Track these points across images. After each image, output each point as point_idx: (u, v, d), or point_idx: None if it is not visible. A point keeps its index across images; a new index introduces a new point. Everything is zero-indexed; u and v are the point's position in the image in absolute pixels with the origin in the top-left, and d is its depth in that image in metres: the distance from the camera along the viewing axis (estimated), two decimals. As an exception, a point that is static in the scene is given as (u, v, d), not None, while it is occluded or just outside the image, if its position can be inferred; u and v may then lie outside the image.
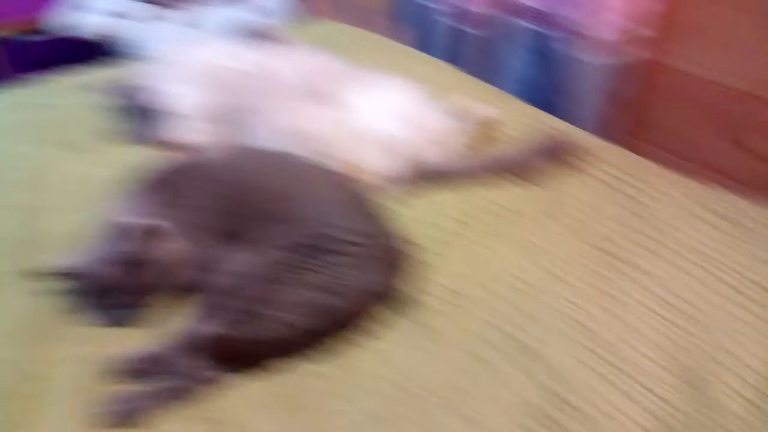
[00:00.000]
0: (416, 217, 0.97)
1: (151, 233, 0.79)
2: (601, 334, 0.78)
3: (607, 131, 1.36)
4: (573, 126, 1.25)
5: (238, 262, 0.79)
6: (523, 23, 1.54)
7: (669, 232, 0.93)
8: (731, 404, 0.70)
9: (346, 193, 0.89)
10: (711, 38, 1.28)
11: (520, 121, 1.22)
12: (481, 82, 1.41)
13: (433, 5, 1.75)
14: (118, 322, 0.78)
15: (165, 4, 2.01)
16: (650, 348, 0.76)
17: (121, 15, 1.94)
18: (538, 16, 1.51)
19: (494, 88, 1.39)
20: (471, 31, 1.66)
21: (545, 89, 1.51)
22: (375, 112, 1.08)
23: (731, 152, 1.30)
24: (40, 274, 0.80)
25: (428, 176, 1.05)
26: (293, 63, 1.15)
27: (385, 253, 0.83)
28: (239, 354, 0.73)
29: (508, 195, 1.03)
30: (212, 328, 0.74)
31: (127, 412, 0.68)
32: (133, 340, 0.76)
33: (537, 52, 1.53)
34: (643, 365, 0.74)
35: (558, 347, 0.77)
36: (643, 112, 1.42)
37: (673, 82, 1.36)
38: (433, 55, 1.57)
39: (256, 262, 0.78)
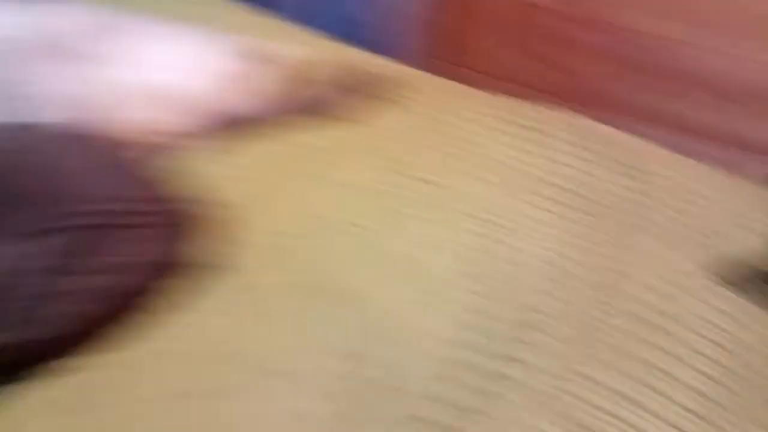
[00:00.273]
0: (228, 174, 0.90)
1: None
2: (425, 263, 0.78)
3: (426, 61, 1.36)
4: (389, 59, 1.22)
5: (5, 257, 0.69)
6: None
7: (480, 152, 0.94)
8: (535, 301, 0.73)
9: (121, 161, 0.80)
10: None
11: (334, 61, 1.17)
12: (294, 26, 1.34)
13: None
14: None
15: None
16: (466, 265, 0.77)
17: None
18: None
19: (308, 30, 1.32)
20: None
21: (363, 26, 1.47)
22: (163, 66, 0.98)
23: (539, 67, 1.35)
24: None
25: (236, 127, 0.98)
26: (65, 23, 1.01)
27: (174, 219, 0.76)
28: (19, 361, 0.64)
29: (324, 137, 0.99)
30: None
31: None
32: None
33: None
34: (460, 282, 0.75)
35: (383, 285, 0.76)
36: (460, 38, 1.44)
37: (487, 5, 1.37)
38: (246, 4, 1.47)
39: (25, 254, 0.68)
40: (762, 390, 0.67)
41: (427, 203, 0.86)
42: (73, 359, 0.66)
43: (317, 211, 0.87)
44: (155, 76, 0.96)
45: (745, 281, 0.74)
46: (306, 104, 1.03)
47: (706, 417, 0.64)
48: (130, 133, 0.88)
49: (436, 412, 0.63)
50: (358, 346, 0.69)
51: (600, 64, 1.29)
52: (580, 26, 1.28)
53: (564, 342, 0.69)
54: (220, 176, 0.88)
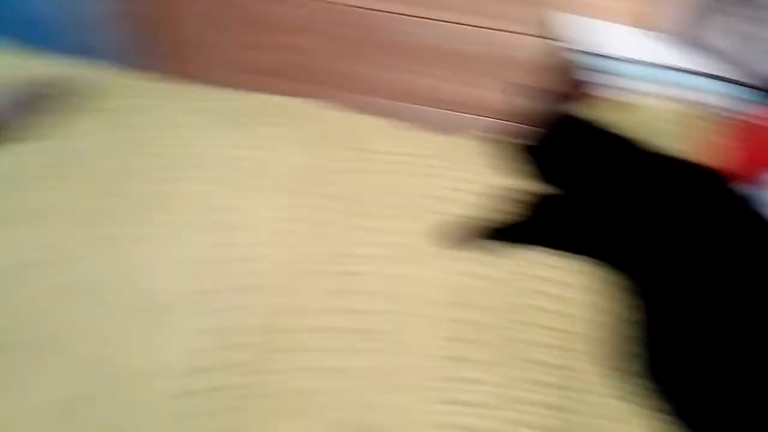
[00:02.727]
0: None
1: None
2: (148, 290, 0.70)
3: (147, 60, 1.22)
4: (86, 63, 1.06)
5: None
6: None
7: (196, 152, 0.86)
8: (279, 303, 0.70)
9: None
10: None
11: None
12: None
13: None
14: None
15: None
16: (197, 282, 0.71)
17: None
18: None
19: None
20: None
21: (60, 29, 1.27)
22: None
23: (261, 51, 1.31)
24: None
25: None
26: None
27: None
28: None
29: (7, 163, 0.82)
30: None
31: None
32: None
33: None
34: (191, 304, 0.69)
35: (105, 323, 0.67)
36: (176, 31, 1.32)
37: None
38: None
39: None
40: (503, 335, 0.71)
41: (142, 219, 0.77)
42: None
43: (6, 255, 0.72)
44: None
45: (467, 239, 0.79)
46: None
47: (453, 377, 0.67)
48: None
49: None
50: (81, 393, 0.60)
51: (320, 41, 1.29)
52: (293, 5, 1.27)
53: (312, 332, 0.67)
54: None
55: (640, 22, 1.05)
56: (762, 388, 0.60)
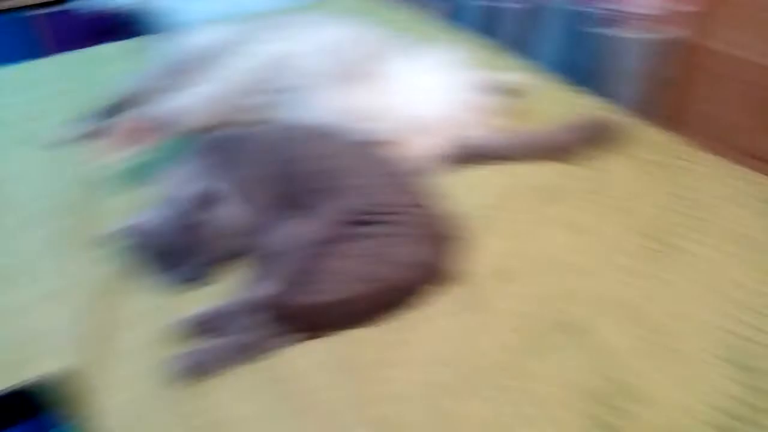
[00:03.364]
0: (460, 195, 0.95)
1: (209, 197, 0.81)
2: (651, 315, 0.78)
3: (642, 111, 1.35)
4: (609, 105, 1.23)
5: (291, 228, 0.80)
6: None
7: (713, 216, 0.93)
8: None
9: (392, 168, 0.90)
10: (751, 17, 1.25)
11: (556, 99, 1.21)
12: (513, 58, 1.38)
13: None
14: (183, 283, 0.81)
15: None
16: (701, 333, 0.75)
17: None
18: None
19: (527, 63, 1.36)
20: (506, 6, 1.64)
21: (581, 67, 1.49)
22: (418, 89, 1.07)
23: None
24: (107, 237, 0.83)
25: (470, 154, 1.04)
26: (333, 39, 1.13)
27: (431, 227, 0.84)
28: (294, 316, 0.74)
29: (550, 174, 1.02)
30: (268, 289, 0.75)
31: (197, 368, 0.70)
32: (198, 300, 0.78)
33: (573, 29, 1.51)
34: (695, 350, 0.73)
35: (608, 328, 0.76)
36: (680, 92, 1.41)
37: (713, 62, 1.33)
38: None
39: (309, 231, 0.79)
40: None
41: (660, 261, 0.85)
42: (335, 327, 0.75)
43: (541, 243, 0.89)
44: (419, 99, 1.05)
45: None
46: (535, 141, 1.07)
47: None
48: (397, 147, 0.97)
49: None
50: (596, 388, 0.69)
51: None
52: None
53: None
54: (454, 195, 0.93)
55: None
56: None
